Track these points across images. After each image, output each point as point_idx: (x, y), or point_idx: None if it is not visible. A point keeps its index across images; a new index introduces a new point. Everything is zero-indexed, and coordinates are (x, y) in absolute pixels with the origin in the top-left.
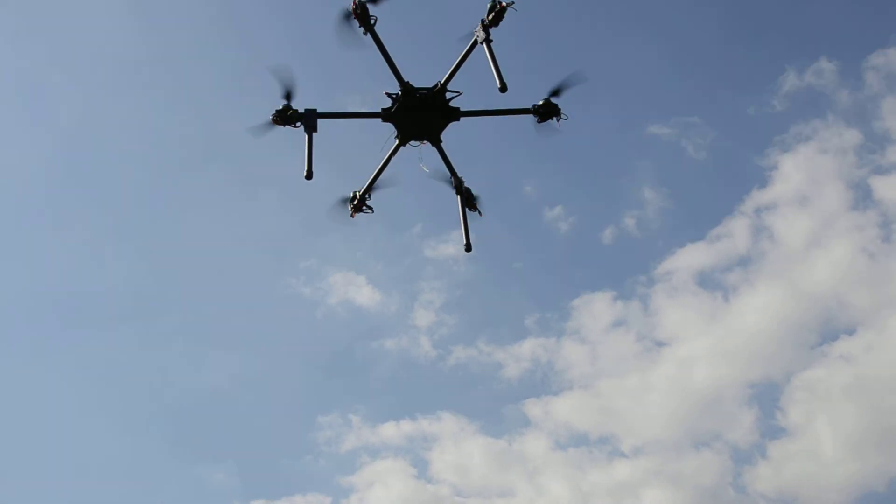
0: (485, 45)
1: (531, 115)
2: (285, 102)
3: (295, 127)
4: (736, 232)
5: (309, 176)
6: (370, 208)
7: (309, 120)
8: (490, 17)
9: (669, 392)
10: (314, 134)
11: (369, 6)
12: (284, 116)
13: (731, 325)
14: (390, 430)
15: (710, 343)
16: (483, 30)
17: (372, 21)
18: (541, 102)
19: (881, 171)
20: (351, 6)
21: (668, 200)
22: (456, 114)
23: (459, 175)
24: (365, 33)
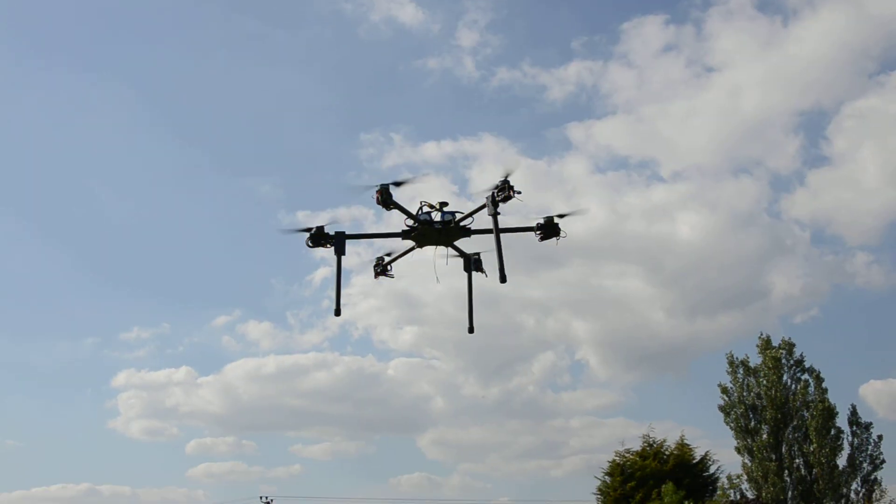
0: (492, 218)
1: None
2: (317, 226)
3: (326, 248)
4: None
5: (337, 313)
6: (391, 276)
7: (338, 243)
8: (499, 193)
9: (715, 118)
10: (342, 257)
11: (392, 190)
12: (316, 238)
13: (787, 52)
14: (431, 150)
15: (763, 70)
16: (492, 203)
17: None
18: (542, 221)
19: None
20: (375, 197)
21: None
22: (467, 233)
23: (470, 254)
24: (388, 209)
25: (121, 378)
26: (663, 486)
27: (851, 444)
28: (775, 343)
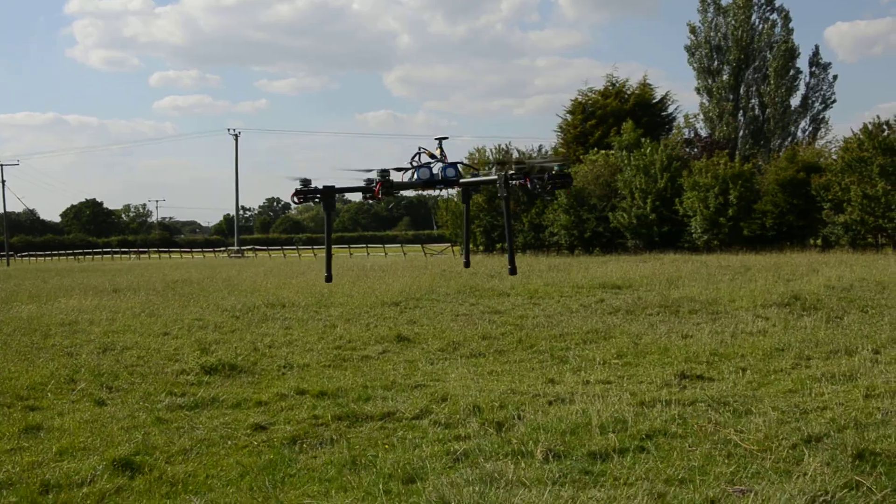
0: (503, 201)
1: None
2: (303, 179)
3: (315, 203)
4: None
5: (328, 279)
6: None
7: (327, 198)
8: (513, 176)
9: None
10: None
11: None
12: (304, 193)
13: None
14: None
15: None
16: (504, 184)
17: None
18: (555, 171)
19: None
20: (375, 189)
21: None
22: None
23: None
24: (390, 195)
25: (74, 5)
26: (623, 124)
27: (807, 85)
28: None
